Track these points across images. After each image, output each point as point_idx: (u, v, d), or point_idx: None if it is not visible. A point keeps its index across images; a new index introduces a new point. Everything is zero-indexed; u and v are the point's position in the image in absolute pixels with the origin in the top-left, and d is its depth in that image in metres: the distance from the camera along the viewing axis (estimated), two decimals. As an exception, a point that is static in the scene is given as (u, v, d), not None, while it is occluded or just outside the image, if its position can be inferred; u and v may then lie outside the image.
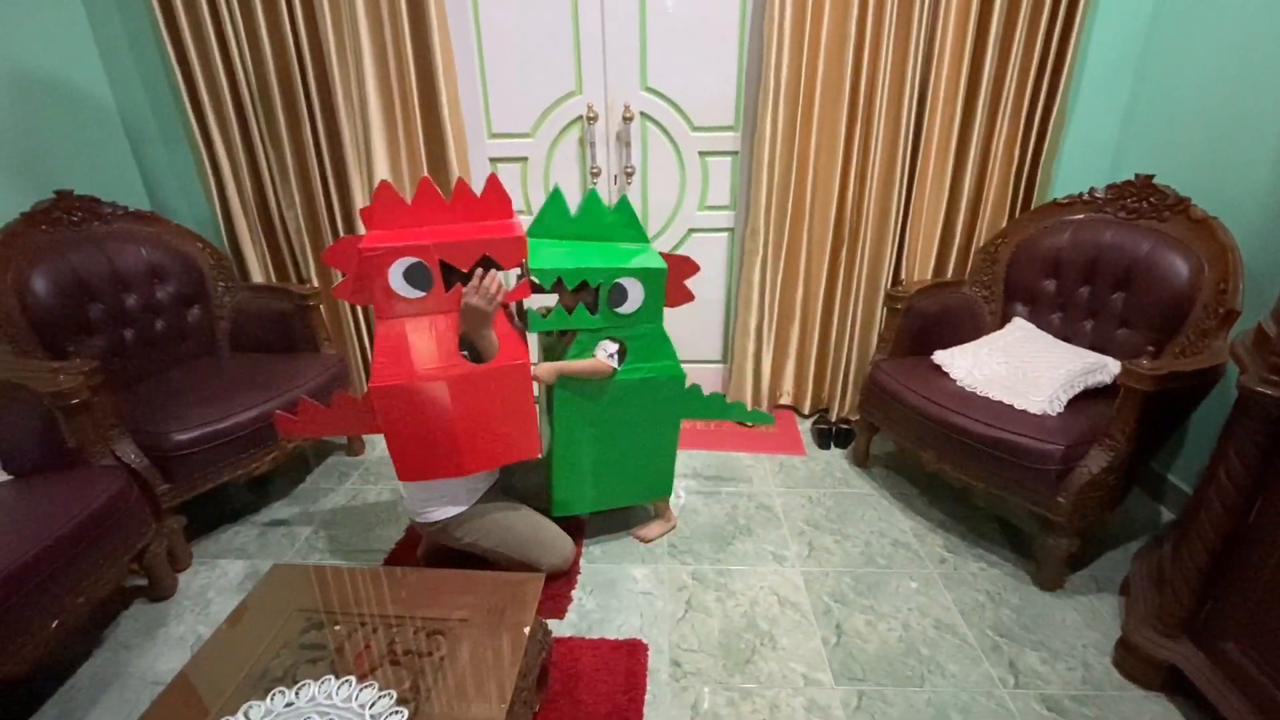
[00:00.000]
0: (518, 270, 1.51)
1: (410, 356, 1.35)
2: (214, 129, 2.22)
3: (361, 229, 2.30)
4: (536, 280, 1.46)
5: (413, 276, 1.34)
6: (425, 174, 2.27)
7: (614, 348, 1.60)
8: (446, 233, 1.38)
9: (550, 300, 1.57)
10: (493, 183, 1.41)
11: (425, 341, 1.38)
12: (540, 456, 1.57)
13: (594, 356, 1.58)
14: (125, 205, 2.14)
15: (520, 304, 1.60)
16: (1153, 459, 1.92)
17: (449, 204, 1.40)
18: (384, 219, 1.36)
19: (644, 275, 1.54)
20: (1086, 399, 1.71)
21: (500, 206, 1.42)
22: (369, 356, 2.57)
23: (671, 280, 1.62)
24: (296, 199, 2.31)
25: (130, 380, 1.97)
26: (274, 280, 2.46)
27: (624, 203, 1.65)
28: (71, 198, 1.99)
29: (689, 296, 1.71)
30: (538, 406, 1.53)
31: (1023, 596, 1.66)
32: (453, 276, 1.39)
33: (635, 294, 1.56)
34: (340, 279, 1.42)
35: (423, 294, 1.37)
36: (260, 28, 2.08)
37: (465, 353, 1.42)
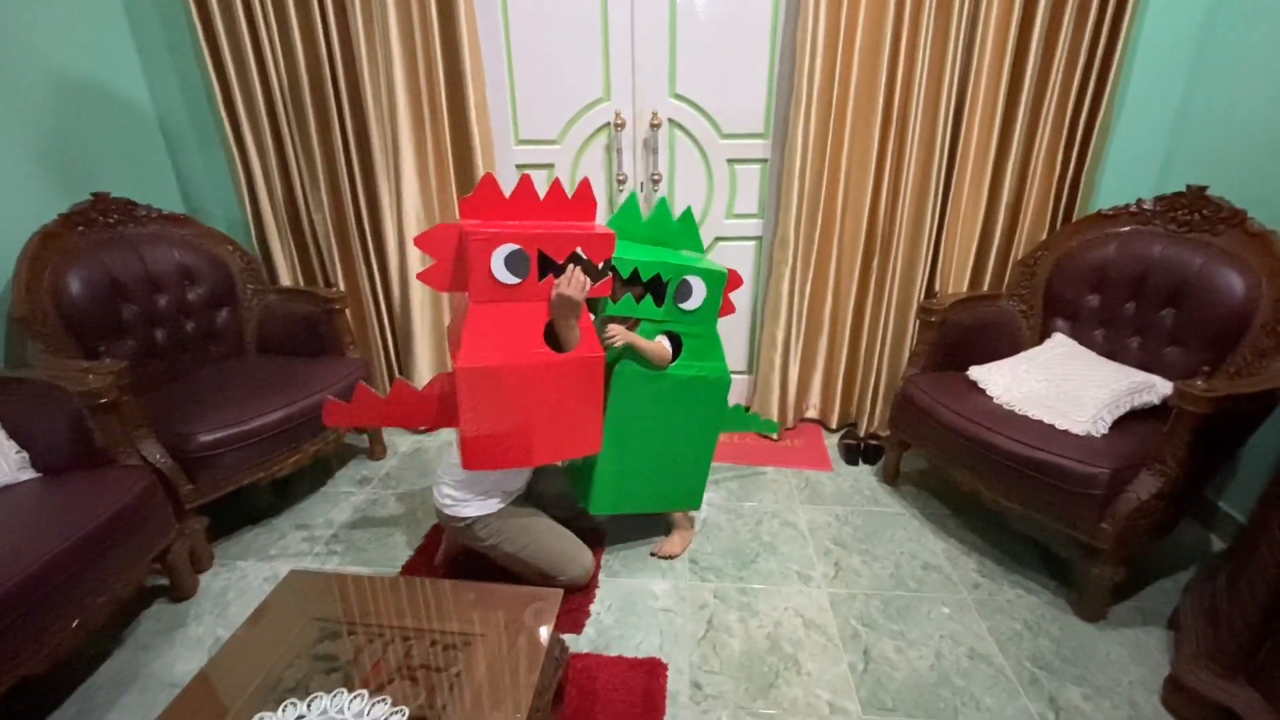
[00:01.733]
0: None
1: (500, 341, 1.39)
2: (247, 134, 2.25)
3: (389, 233, 2.31)
4: (616, 268, 1.52)
5: (512, 263, 1.37)
6: (452, 180, 2.28)
7: (666, 341, 1.65)
8: (544, 226, 1.42)
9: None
10: (584, 187, 1.47)
11: (515, 327, 1.41)
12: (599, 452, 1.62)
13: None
14: (160, 208, 2.17)
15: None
16: (1205, 486, 1.82)
17: (543, 201, 1.44)
18: (482, 209, 1.39)
19: (709, 276, 1.64)
20: (1133, 420, 1.62)
21: (587, 208, 1.48)
22: (393, 361, 2.58)
23: (725, 288, 1.70)
24: (325, 203, 2.33)
25: (159, 380, 2.00)
26: (301, 283, 2.48)
27: (688, 214, 1.75)
28: (108, 200, 2.03)
29: (732, 308, 1.78)
30: None
31: (1063, 627, 1.58)
32: (546, 268, 1.42)
33: (699, 292, 1.65)
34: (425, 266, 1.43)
35: (519, 281, 1.39)
36: (294, 35, 2.10)
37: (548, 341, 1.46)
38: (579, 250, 1.43)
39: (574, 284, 1.40)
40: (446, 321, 2.46)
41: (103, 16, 2.17)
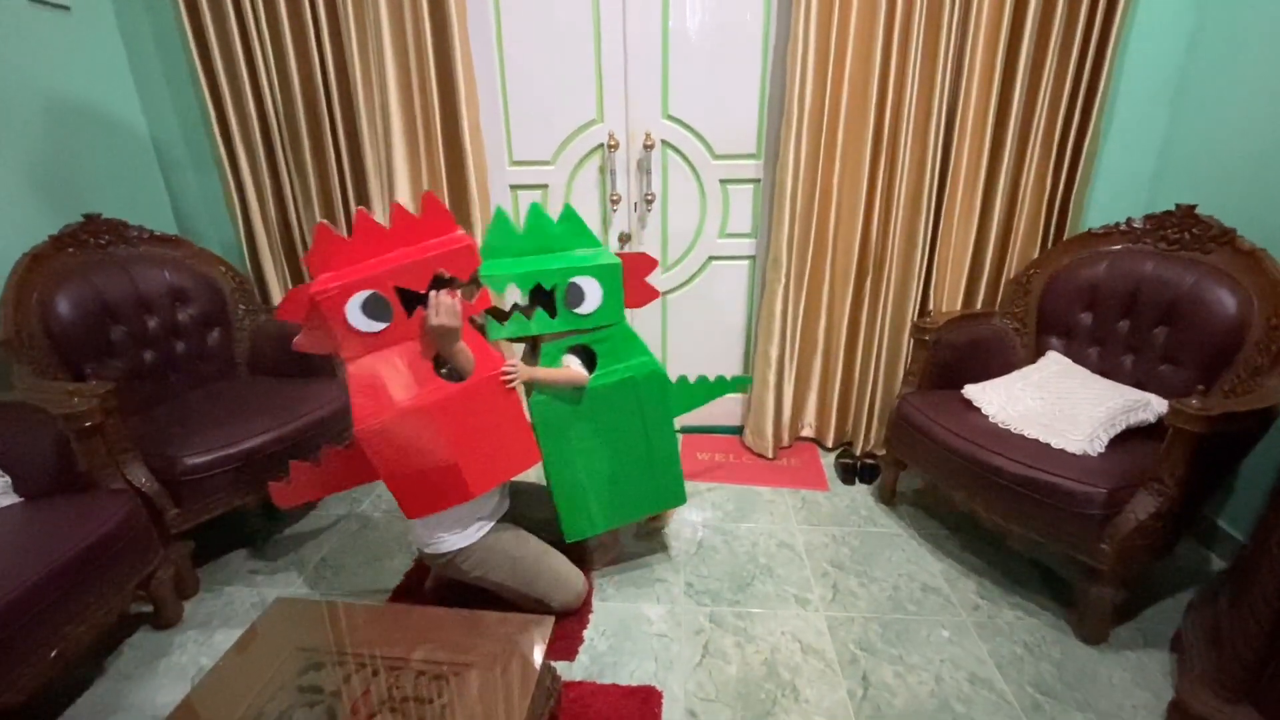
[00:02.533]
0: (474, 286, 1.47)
1: (388, 392, 1.31)
2: (241, 155, 2.25)
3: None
4: (489, 288, 1.43)
5: (371, 309, 1.30)
6: (446, 201, 2.28)
7: (576, 361, 1.57)
8: (396, 258, 1.33)
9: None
10: (429, 200, 1.36)
11: (400, 372, 1.33)
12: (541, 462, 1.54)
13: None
14: (152, 229, 2.17)
15: (479, 317, 1.56)
16: (1204, 504, 1.81)
17: (389, 231, 1.35)
18: (328, 261, 1.31)
19: (597, 272, 1.52)
20: (1129, 439, 1.62)
21: (441, 223, 1.38)
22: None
23: (632, 278, 1.60)
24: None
25: (147, 402, 1.97)
26: (294, 304, 2.46)
27: (569, 211, 1.60)
28: (99, 221, 2.02)
29: (653, 293, 1.69)
30: None
31: (1064, 650, 1.55)
32: (412, 301, 1.34)
33: (593, 293, 1.53)
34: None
35: (385, 325, 1.32)
36: (289, 57, 2.12)
37: (444, 371, 1.39)
38: (442, 272, 1.34)
39: (443, 311, 1.30)
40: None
41: (99, 40, 2.19)
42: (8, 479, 1.50)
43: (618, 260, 1.55)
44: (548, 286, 1.49)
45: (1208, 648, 1.37)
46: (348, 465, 1.46)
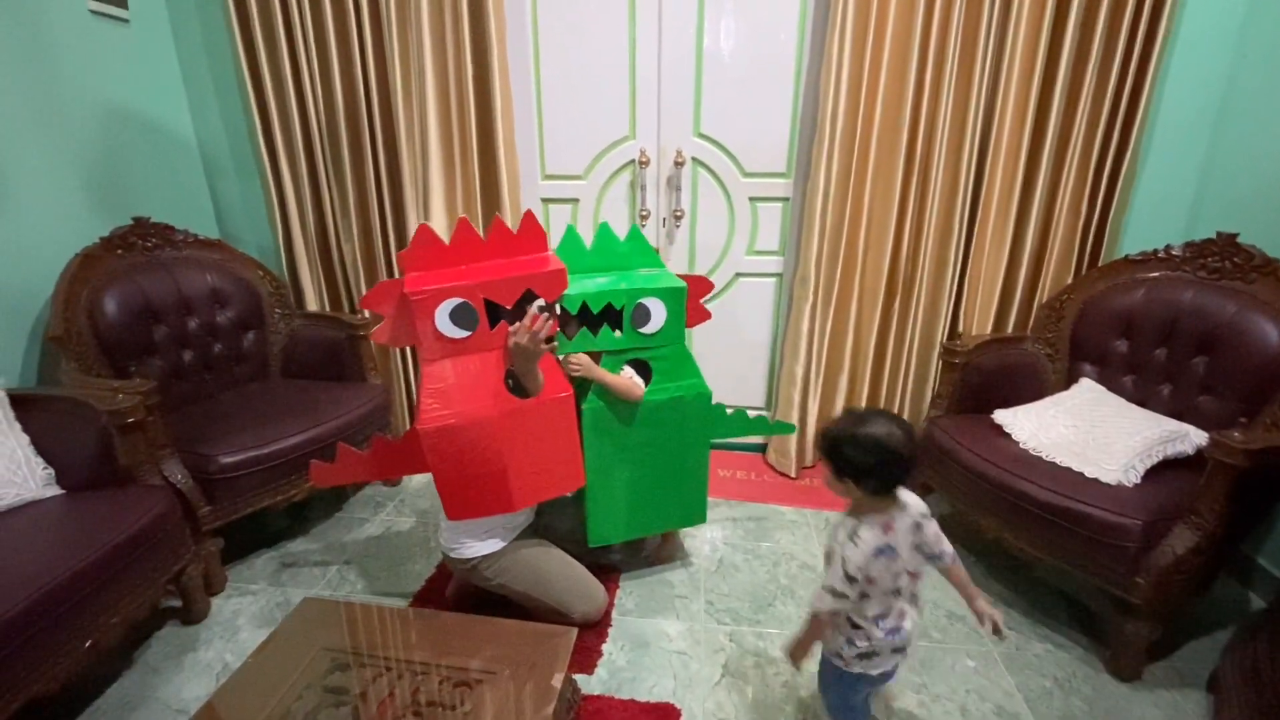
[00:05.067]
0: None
1: (458, 396, 1.35)
2: (283, 163, 2.32)
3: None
4: (563, 306, 1.47)
5: (459, 317, 1.34)
6: (479, 213, 2.32)
7: (634, 374, 1.62)
8: (487, 271, 1.38)
9: None
10: (529, 219, 1.42)
11: (473, 380, 1.37)
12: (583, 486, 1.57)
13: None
14: (196, 233, 2.24)
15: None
16: (1243, 541, 1.76)
17: (486, 242, 1.41)
18: (423, 261, 1.37)
19: (665, 294, 1.58)
20: (1165, 471, 1.57)
21: (535, 242, 1.43)
22: (413, 389, 2.60)
23: (690, 299, 1.65)
24: (355, 232, 2.38)
25: (184, 401, 2.03)
26: (327, 309, 2.52)
27: (634, 231, 1.69)
28: (147, 224, 2.10)
29: (706, 315, 1.76)
30: None
31: (1096, 686, 1.51)
32: (497, 314, 1.39)
33: (658, 313, 1.59)
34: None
35: (468, 333, 1.36)
36: (334, 74, 2.19)
37: (510, 381, 1.42)
38: (530, 291, 1.37)
39: (531, 335, 1.33)
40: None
41: (155, 52, 2.28)
42: (51, 471, 1.55)
43: (683, 285, 1.61)
44: (618, 306, 1.54)
45: (1247, 690, 1.32)
46: (394, 456, 1.49)
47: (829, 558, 1.14)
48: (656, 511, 1.78)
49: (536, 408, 1.41)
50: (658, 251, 1.75)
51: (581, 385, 1.60)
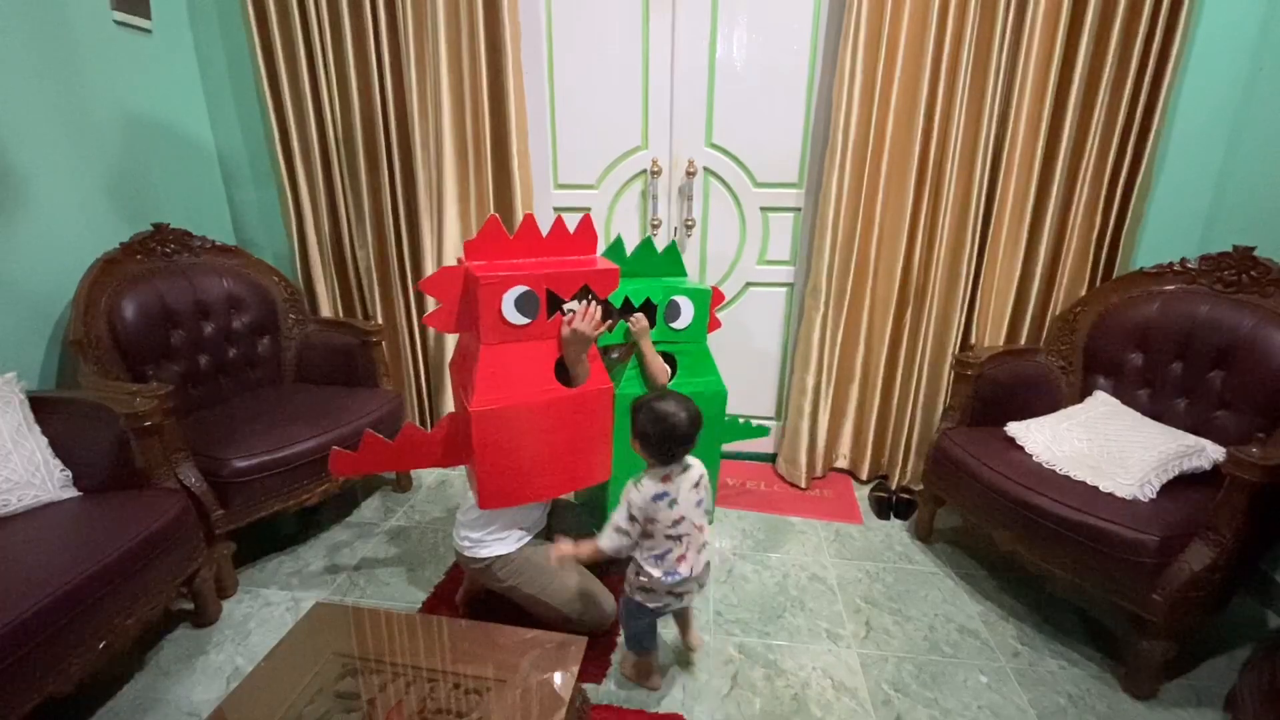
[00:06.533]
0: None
1: (512, 381, 1.42)
2: (300, 171, 2.35)
3: (428, 270, 2.37)
4: (607, 299, 1.59)
5: (523, 304, 1.40)
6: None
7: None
8: (548, 265, 1.46)
9: None
10: (586, 223, 1.52)
11: (526, 366, 1.45)
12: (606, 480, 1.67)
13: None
14: (213, 239, 2.27)
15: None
16: (1261, 558, 1.73)
17: (545, 239, 1.49)
18: (486, 250, 1.44)
19: (695, 295, 1.83)
20: (1182, 486, 1.56)
21: (588, 243, 1.53)
22: (424, 393, 2.61)
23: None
24: (369, 239, 2.41)
25: (199, 405, 2.05)
26: (341, 315, 2.55)
27: (672, 246, 1.91)
28: (167, 230, 2.13)
29: (717, 324, 1.98)
30: None
31: (1111, 704, 1.48)
32: (553, 305, 1.46)
33: (687, 311, 1.82)
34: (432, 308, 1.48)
35: (528, 321, 1.42)
36: (351, 81, 2.22)
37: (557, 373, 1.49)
38: (587, 286, 1.48)
39: (588, 321, 1.45)
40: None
41: (176, 61, 2.32)
42: (68, 473, 1.57)
43: (709, 288, 1.87)
44: (655, 301, 1.77)
45: (1266, 709, 1.29)
46: (421, 446, 1.53)
47: (618, 504, 1.35)
48: None
49: (582, 396, 1.50)
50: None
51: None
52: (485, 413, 1.38)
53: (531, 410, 1.44)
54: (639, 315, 1.73)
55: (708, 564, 1.44)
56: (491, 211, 2.32)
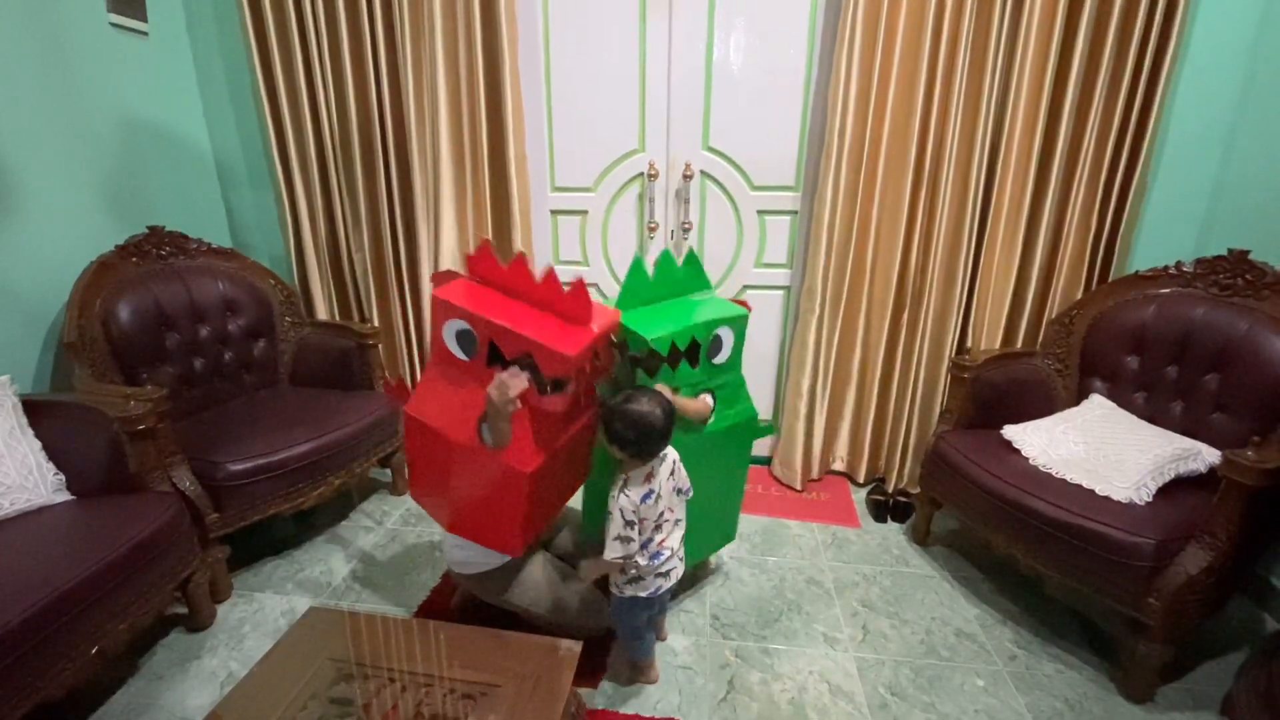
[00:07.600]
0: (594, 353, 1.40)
1: (439, 405, 1.37)
2: (296, 175, 2.35)
3: (425, 272, 2.37)
4: (655, 349, 1.41)
5: (462, 340, 1.34)
6: (489, 225, 2.34)
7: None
8: (513, 314, 1.30)
9: None
10: (579, 288, 1.29)
11: (455, 399, 1.34)
12: (519, 556, 1.47)
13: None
14: (209, 241, 2.26)
15: (623, 370, 1.51)
16: (1257, 561, 1.73)
17: (531, 286, 1.34)
18: (482, 271, 1.39)
19: (734, 322, 1.57)
20: (1178, 489, 1.56)
21: (581, 311, 1.31)
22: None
23: None
24: (366, 242, 2.40)
25: (194, 408, 2.04)
26: (337, 318, 2.54)
27: (692, 256, 1.68)
28: (162, 233, 2.12)
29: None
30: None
31: (1107, 708, 1.48)
32: (496, 358, 1.32)
33: (728, 342, 1.58)
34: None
35: (465, 359, 1.35)
36: (348, 84, 2.22)
37: (484, 424, 1.31)
38: (529, 356, 1.27)
39: (501, 391, 1.19)
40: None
41: (173, 64, 2.32)
42: (62, 476, 1.56)
43: (746, 311, 1.60)
44: (700, 339, 1.50)
45: (1262, 712, 1.29)
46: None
47: (609, 516, 1.35)
48: (704, 538, 1.74)
49: (487, 459, 1.31)
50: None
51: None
52: (410, 416, 1.37)
53: (439, 439, 1.34)
54: (706, 399, 1.53)
55: (682, 537, 1.47)
56: (488, 213, 2.32)
